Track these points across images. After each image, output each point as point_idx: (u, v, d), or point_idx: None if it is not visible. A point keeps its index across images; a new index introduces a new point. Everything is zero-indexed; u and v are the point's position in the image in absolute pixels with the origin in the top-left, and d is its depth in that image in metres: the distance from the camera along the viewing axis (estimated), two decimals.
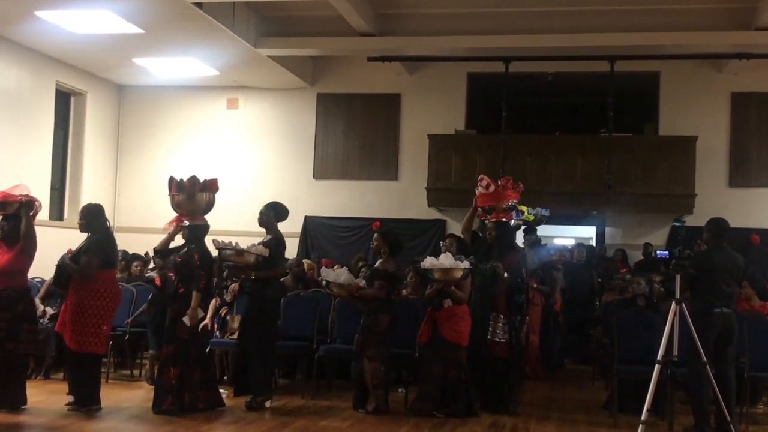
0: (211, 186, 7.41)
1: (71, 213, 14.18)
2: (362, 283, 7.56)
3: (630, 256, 13.31)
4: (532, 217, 9.09)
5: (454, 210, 13.33)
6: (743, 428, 7.04)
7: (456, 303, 7.35)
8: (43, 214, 13.14)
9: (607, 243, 14.29)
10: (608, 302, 9.55)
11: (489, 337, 7.42)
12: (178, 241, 7.43)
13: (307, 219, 14.46)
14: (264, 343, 7.45)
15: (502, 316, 7.45)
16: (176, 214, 7.40)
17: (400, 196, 14.22)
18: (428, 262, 7.40)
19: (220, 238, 7.40)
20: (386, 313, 7.44)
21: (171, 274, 7.25)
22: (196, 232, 7.28)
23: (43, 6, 10.60)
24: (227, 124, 15.08)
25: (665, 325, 6.44)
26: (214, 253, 7.53)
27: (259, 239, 7.74)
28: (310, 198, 14.61)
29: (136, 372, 9.28)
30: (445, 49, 12.94)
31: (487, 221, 7.83)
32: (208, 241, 7.40)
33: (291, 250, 13.61)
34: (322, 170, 14.72)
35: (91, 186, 14.41)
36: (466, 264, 7.26)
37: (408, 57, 13.58)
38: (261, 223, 7.71)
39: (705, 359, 6.48)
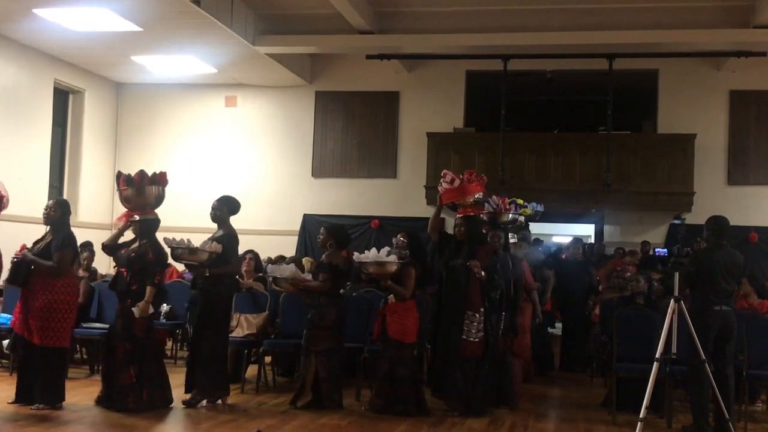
0: (160, 180, 7.20)
1: None
2: (308, 277, 7.50)
3: None
4: (530, 211, 8.92)
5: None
6: (742, 426, 7.04)
7: (398, 299, 7.30)
8: (41, 212, 13.15)
9: (605, 241, 14.30)
10: (607, 300, 9.55)
11: (464, 336, 7.21)
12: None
13: (305, 217, 14.47)
14: (218, 340, 7.38)
15: (477, 315, 7.23)
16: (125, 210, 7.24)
17: (398, 194, 14.23)
18: (357, 256, 7.33)
19: (171, 236, 7.23)
20: (333, 307, 7.36)
21: (123, 270, 7.08)
22: (147, 226, 7.09)
23: (42, 4, 10.59)
24: (225, 122, 15.08)
25: (664, 323, 6.43)
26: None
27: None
28: (309, 196, 14.62)
29: None
30: (443, 47, 12.94)
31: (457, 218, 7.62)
32: (160, 238, 7.28)
33: (290, 249, 13.66)
34: (320, 168, 14.72)
35: (89, 184, 14.39)
36: (393, 258, 7.19)
37: (406, 55, 13.58)
38: (214, 219, 7.46)
39: (704, 357, 6.48)
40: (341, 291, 7.68)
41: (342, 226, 8.19)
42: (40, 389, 6.84)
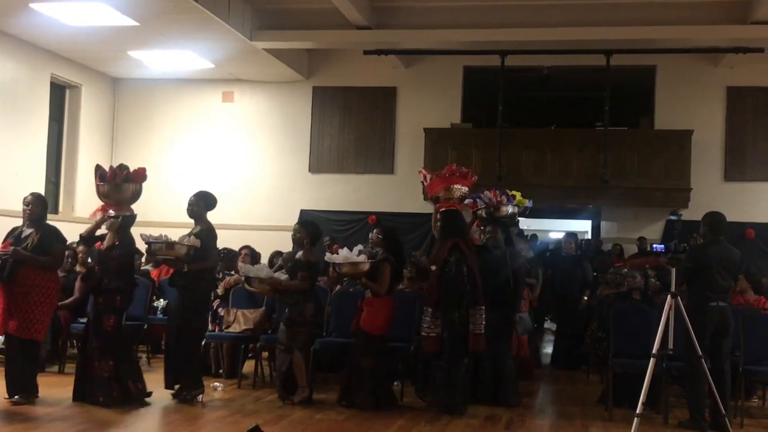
0: (138, 176, 7.21)
1: (66, 206, 14.17)
2: (283, 276, 7.48)
3: (625, 250, 13.33)
4: (525, 201, 8.82)
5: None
6: (738, 422, 7.06)
7: (374, 294, 7.33)
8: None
9: (602, 237, 14.29)
10: (604, 296, 9.56)
11: (422, 332, 7.24)
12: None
13: (303, 213, 14.44)
14: (197, 336, 7.39)
15: (430, 310, 7.20)
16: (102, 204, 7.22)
17: (395, 190, 14.22)
18: (329, 257, 7.45)
19: (147, 232, 7.22)
20: (311, 303, 7.41)
21: (95, 264, 7.08)
22: (122, 222, 7.10)
23: None
24: (223, 118, 15.05)
25: (661, 319, 6.44)
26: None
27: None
28: (306, 191, 14.61)
29: None
30: (441, 43, 12.93)
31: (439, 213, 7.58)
32: (136, 234, 7.26)
33: (287, 244, 13.63)
34: (317, 164, 14.70)
35: (86, 179, 14.33)
36: (363, 257, 7.22)
37: (404, 50, 13.56)
38: (191, 214, 7.42)
39: (700, 353, 6.50)
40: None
41: (314, 222, 8.11)
42: (18, 382, 6.82)
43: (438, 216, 7.53)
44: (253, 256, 9.65)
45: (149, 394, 7.10)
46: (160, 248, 7.07)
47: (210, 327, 8.52)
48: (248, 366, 8.63)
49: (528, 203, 9.27)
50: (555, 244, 14.63)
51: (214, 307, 8.68)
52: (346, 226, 14.18)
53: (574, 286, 10.60)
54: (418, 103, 14.36)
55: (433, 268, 7.18)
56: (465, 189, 7.58)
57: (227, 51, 12.85)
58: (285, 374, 7.39)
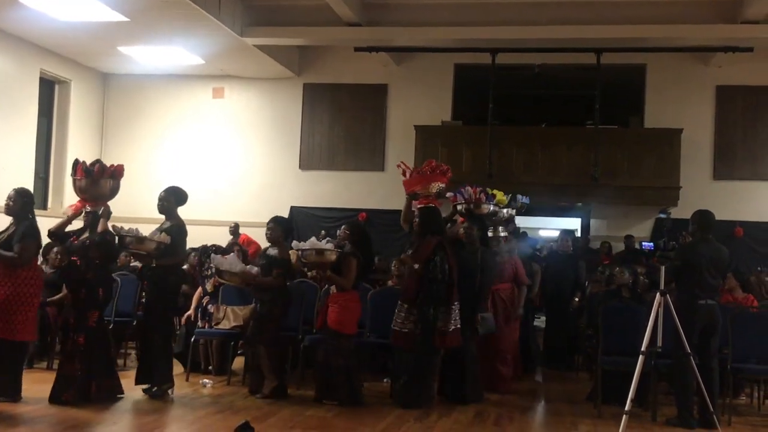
0: (116, 172, 7.16)
1: (55, 202, 14.11)
2: (254, 270, 7.47)
3: (615, 248, 13.37)
4: (505, 200, 8.77)
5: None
6: (726, 419, 7.09)
7: (339, 289, 7.32)
8: None
9: (592, 235, 14.34)
10: (593, 293, 9.58)
11: (393, 326, 7.26)
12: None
13: (293, 209, 14.44)
14: (167, 331, 7.38)
15: (405, 306, 7.23)
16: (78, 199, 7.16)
17: (386, 187, 14.18)
18: (296, 244, 7.39)
19: (119, 225, 7.19)
20: (281, 300, 7.43)
21: (75, 259, 6.99)
22: (99, 218, 7.04)
23: None
24: (213, 114, 15.02)
25: (649, 317, 6.46)
26: None
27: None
28: (296, 188, 14.60)
29: (120, 362, 9.21)
30: (432, 40, 12.93)
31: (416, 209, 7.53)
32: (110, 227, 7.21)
33: None
34: (308, 160, 14.69)
35: None
36: (330, 246, 7.23)
37: (395, 48, 13.56)
38: (161, 209, 7.36)
39: (689, 350, 6.52)
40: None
41: (287, 219, 8.05)
42: (2, 382, 6.72)
43: (416, 212, 7.49)
44: (244, 254, 9.61)
45: (122, 393, 7.03)
46: (131, 241, 7.03)
47: (200, 324, 8.52)
48: (238, 363, 8.61)
49: (524, 200, 9.25)
50: (543, 243, 14.65)
51: (204, 304, 8.66)
52: (336, 223, 14.10)
53: (566, 286, 10.38)
54: (409, 100, 14.36)
55: (416, 266, 7.17)
56: (442, 185, 7.56)
57: (217, 47, 12.83)
58: (253, 369, 7.41)
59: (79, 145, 14.46)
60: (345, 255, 7.30)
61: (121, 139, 15.13)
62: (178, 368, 8.59)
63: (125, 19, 11.27)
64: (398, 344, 7.28)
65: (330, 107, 14.67)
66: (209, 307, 8.66)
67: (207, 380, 8.00)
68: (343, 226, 7.89)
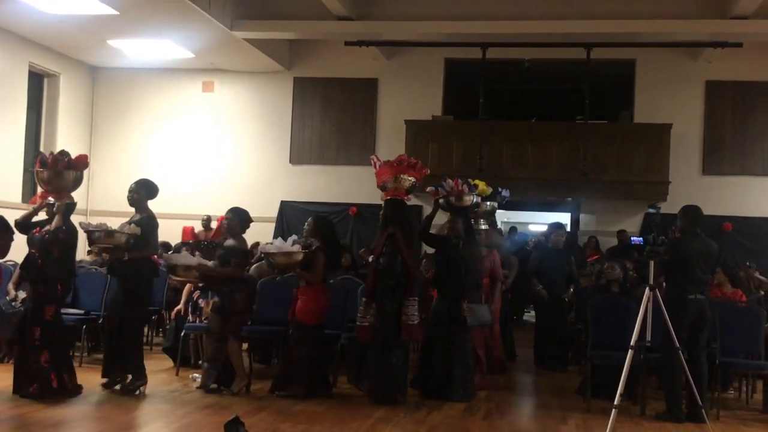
0: (79, 163, 7.11)
1: None
2: (210, 263, 7.42)
3: (603, 243, 13.40)
4: (489, 191, 8.71)
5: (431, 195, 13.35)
6: (714, 413, 7.12)
7: (308, 283, 7.34)
8: (16, 196, 13.03)
9: (581, 229, 14.39)
10: (582, 288, 9.60)
11: (357, 321, 7.29)
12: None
13: (283, 204, 14.42)
14: (140, 325, 7.38)
15: (365, 300, 7.28)
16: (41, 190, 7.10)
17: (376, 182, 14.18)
18: (263, 246, 7.48)
19: (87, 220, 7.15)
20: (243, 290, 7.42)
21: (34, 251, 6.94)
22: (63, 209, 6.94)
23: None
24: (203, 108, 14.97)
25: (639, 311, 6.49)
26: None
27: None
28: (287, 182, 14.58)
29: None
30: (422, 34, 12.93)
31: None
32: (76, 222, 7.16)
33: (267, 235, 13.61)
34: (298, 155, 14.67)
35: None
36: (297, 247, 7.22)
37: (385, 42, 13.55)
38: (131, 202, 7.35)
39: (678, 345, 6.55)
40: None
41: (245, 210, 7.93)
42: None
43: (383, 204, 7.54)
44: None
45: (81, 389, 6.96)
46: (99, 236, 6.99)
47: (190, 318, 8.50)
48: None
49: (504, 193, 9.23)
50: (533, 238, 14.66)
51: (195, 298, 8.64)
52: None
53: (561, 282, 9.92)
54: (400, 94, 14.36)
55: (371, 259, 7.20)
56: (413, 180, 7.54)
57: (207, 41, 12.78)
58: (222, 364, 7.36)
59: (68, 138, 14.39)
60: (313, 251, 7.32)
61: (111, 133, 15.07)
62: (167, 363, 8.64)
63: (114, 12, 11.21)
64: (362, 338, 7.31)
65: (320, 101, 14.65)
66: (199, 301, 8.63)
67: (197, 375, 7.98)
68: (309, 219, 7.84)
